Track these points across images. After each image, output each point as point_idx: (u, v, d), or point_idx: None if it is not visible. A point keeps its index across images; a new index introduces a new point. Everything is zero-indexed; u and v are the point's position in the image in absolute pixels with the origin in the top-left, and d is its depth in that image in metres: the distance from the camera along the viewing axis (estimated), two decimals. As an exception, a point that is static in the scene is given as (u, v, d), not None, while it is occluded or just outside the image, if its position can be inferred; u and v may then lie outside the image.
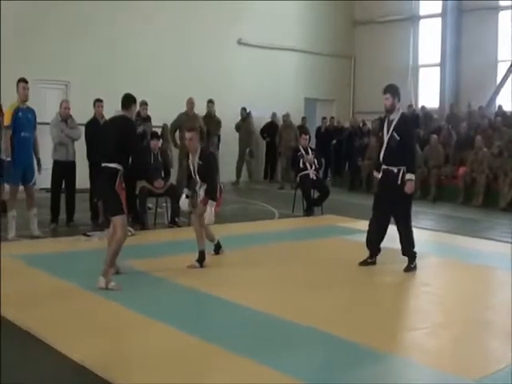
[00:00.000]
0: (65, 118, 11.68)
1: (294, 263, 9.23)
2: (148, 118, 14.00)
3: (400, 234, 9.02)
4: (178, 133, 14.82)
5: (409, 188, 8.62)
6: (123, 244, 7.62)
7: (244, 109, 19.91)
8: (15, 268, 8.44)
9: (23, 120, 10.35)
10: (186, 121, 14.31)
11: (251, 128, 19.90)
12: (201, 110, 15.68)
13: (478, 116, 19.69)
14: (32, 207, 10.58)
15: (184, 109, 14.90)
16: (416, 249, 8.90)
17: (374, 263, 9.11)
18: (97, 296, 7.22)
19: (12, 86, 10.65)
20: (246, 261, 9.23)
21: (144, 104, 13.52)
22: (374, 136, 18.88)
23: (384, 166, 8.86)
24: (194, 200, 9.27)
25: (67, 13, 17.20)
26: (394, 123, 8.76)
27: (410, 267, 8.91)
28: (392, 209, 8.91)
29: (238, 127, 19.73)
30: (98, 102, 12.02)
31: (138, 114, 13.22)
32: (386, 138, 8.80)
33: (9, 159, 10.23)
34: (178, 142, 14.74)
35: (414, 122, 9.64)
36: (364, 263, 9.08)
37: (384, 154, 8.83)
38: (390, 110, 8.84)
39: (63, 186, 11.70)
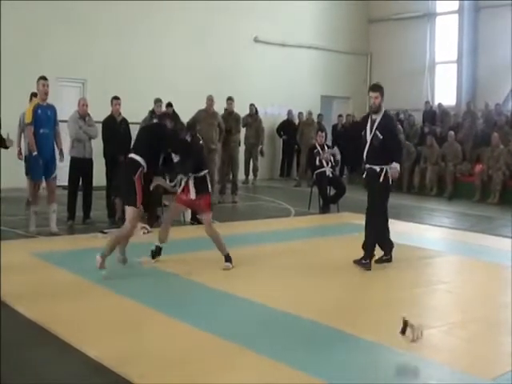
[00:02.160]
0: (83, 115, 11.74)
1: (309, 261, 9.22)
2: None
3: (370, 225, 9.02)
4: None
5: (393, 173, 8.66)
6: (128, 236, 8.19)
7: (253, 105, 19.77)
8: (32, 265, 8.50)
9: (42, 117, 10.48)
10: (204, 117, 14.30)
11: (262, 126, 19.69)
12: (217, 107, 15.68)
13: (494, 113, 19.61)
14: (52, 203, 10.68)
15: (200, 106, 14.86)
16: (432, 246, 8.83)
17: (389, 260, 9.09)
18: (113, 293, 7.25)
19: (31, 83, 10.77)
20: (261, 258, 9.22)
21: (158, 101, 13.52)
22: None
23: (367, 166, 8.87)
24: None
25: (84, 11, 17.27)
26: (377, 122, 8.76)
27: (362, 263, 8.86)
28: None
29: (245, 123, 19.17)
30: (115, 99, 12.06)
31: (153, 111, 13.24)
32: (369, 137, 8.79)
33: (35, 153, 10.35)
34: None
35: (394, 120, 9.57)
36: (379, 261, 9.05)
37: (367, 153, 8.83)
38: (376, 110, 8.83)
39: (80, 183, 11.76)
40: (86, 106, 11.83)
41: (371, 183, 8.91)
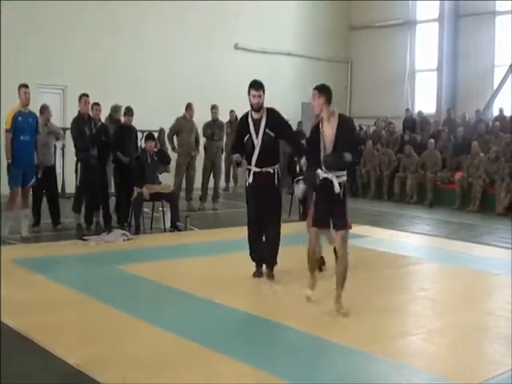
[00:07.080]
0: (46, 122, 11.65)
1: (290, 267, 9.18)
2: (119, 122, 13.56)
3: (269, 235, 8.74)
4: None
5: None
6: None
7: (233, 111, 19.66)
8: (10, 272, 8.40)
9: (23, 124, 10.47)
10: (184, 125, 14.31)
11: None
12: (197, 115, 15.66)
13: (474, 121, 19.66)
14: (24, 208, 10.69)
15: (178, 114, 14.73)
16: (412, 253, 8.80)
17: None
18: (93, 300, 7.21)
19: (10, 90, 10.73)
20: (242, 265, 9.19)
21: (117, 107, 13.40)
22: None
23: (257, 169, 8.42)
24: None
25: (64, 17, 17.20)
26: (264, 120, 8.50)
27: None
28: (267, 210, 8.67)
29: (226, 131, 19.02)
30: (83, 96, 11.59)
31: (110, 117, 13.18)
32: (258, 139, 8.39)
33: (9, 161, 10.35)
34: (177, 146, 14.59)
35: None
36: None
37: (258, 156, 8.37)
38: (259, 109, 8.62)
39: (45, 189, 11.70)
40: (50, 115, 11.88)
41: (263, 187, 8.50)
